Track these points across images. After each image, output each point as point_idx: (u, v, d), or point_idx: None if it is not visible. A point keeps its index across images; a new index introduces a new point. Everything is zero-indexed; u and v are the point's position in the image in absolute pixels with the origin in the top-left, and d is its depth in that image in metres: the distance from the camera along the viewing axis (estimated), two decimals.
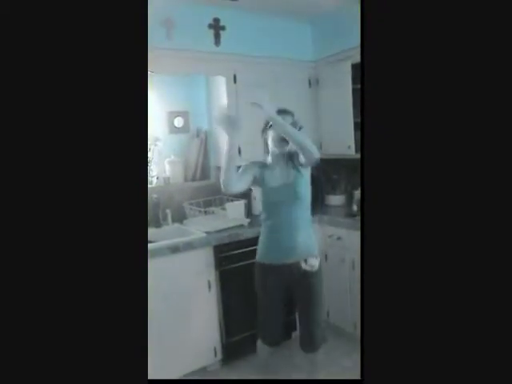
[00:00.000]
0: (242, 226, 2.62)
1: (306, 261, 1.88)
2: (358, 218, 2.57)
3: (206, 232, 2.45)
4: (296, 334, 2.17)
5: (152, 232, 2.51)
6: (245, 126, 1.76)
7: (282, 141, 1.84)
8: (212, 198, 2.91)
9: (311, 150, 1.77)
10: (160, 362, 2.15)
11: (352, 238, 2.55)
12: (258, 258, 1.99)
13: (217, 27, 2.69)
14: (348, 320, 2.66)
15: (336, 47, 2.91)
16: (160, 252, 2.19)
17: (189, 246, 2.31)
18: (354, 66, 2.75)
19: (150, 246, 2.16)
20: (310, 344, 1.97)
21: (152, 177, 2.86)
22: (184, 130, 3.02)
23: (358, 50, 1.07)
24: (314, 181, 2.00)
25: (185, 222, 2.75)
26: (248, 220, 2.68)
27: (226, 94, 2.75)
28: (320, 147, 3.00)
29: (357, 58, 2.43)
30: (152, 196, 2.64)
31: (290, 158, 1.93)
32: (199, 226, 2.55)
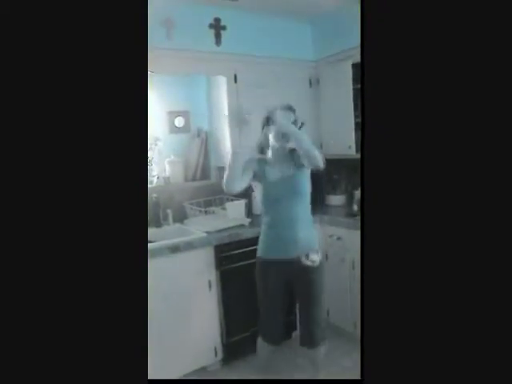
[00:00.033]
0: (242, 225, 2.61)
1: (307, 256, 1.88)
2: (359, 217, 2.56)
3: (207, 232, 2.44)
4: (296, 334, 2.17)
5: (152, 232, 2.50)
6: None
7: (284, 136, 1.85)
8: (212, 197, 2.91)
9: (318, 161, 1.80)
10: (160, 362, 2.15)
11: (352, 238, 2.54)
12: (259, 253, 1.99)
13: (217, 27, 2.69)
14: (348, 320, 2.66)
15: (336, 47, 2.91)
16: (160, 252, 2.19)
17: (189, 246, 2.31)
18: (354, 66, 2.75)
19: (150, 245, 2.16)
20: (310, 339, 1.97)
21: (152, 176, 2.87)
22: (184, 129, 3.02)
23: (359, 49, 1.07)
24: (315, 181, 2.00)
25: (185, 221, 2.75)
26: (248, 220, 2.67)
27: (226, 93, 2.75)
28: (320, 147, 3.00)
29: (357, 58, 2.42)
30: (152, 196, 2.64)
31: (291, 154, 1.93)
32: (200, 226, 2.55)
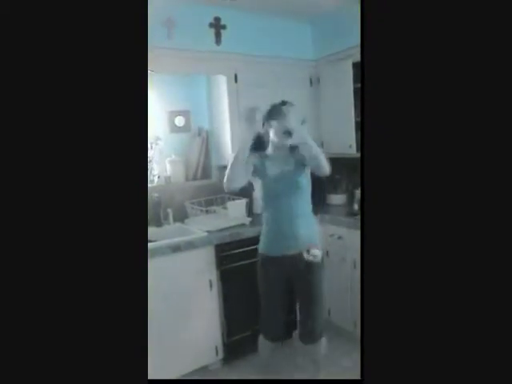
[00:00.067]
0: (243, 225, 2.62)
1: (308, 251, 1.88)
2: (359, 217, 2.56)
3: (208, 231, 2.45)
4: (297, 333, 2.18)
5: (153, 231, 2.51)
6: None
7: (285, 133, 1.84)
8: (213, 197, 2.91)
9: (326, 169, 1.83)
10: (160, 362, 2.15)
11: (353, 237, 2.55)
12: (260, 249, 1.99)
13: (218, 26, 2.69)
14: (349, 319, 2.66)
15: (336, 47, 2.90)
16: (161, 251, 2.19)
17: (190, 245, 2.31)
18: (355, 65, 2.75)
19: (150, 245, 2.16)
20: (309, 336, 1.98)
21: (153, 176, 2.86)
22: (185, 129, 3.02)
23: (359, 48, 1.07)
24: (316, 180, 2.00)
25: (186, 221, 2.75)
26: (249, 219, 2.67)
27: (226, 93, 2.75)
28: (321, 146, 2.99)
29: (358, 57, 2.42)
30: (153, 195, 2.64)
31: (291, 150, 1.93)
32: (200, 225, 2.55)
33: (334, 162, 3.08)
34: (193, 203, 2.81)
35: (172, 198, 2.81)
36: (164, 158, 2.91)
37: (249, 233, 2.48)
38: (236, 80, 2.76)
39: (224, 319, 2.46)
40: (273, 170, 1.91)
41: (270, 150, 1.96)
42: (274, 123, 1.86)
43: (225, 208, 2.75)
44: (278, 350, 2.16)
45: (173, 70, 2.64)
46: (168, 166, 2.91)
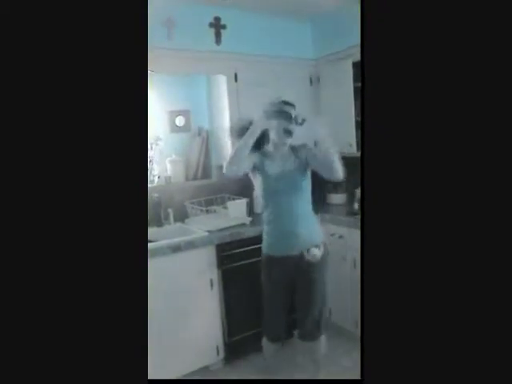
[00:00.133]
0: (243, 224, 2.61)
1: (308, 250, 1.88)
2: (360, 216, 2.56)
3: (208, 231, 2.44)
4: (297, 332, 2.18)
5: (154, 231, 2.51)
6: None
7: (286, 132, 1.84)
8: (214, 196, 2.91)
9: (339, 173, 1.85)
10: (161, 362, 2.15)
11: (353, 237, 2.54)
12: (263, 250, 1.99)
13: (218, 26, 2.69)
14: (349, 319, 2.66)
15: (336, 46, 2.90)
16: (162, 251, 2.19)
17: (190, 245, 2.31)
18: (355, 64, 2.74)
19: (151, 245, 2.17)
20: (308, 333, 1.99)
21: (153, 176, 2.86)
22: (185, 129, 3.02)
23: (359, 48, 1.06)
24: (316, 179, 2.00)
25: (186, 221, 2.75)
26: (250, 218, 2.67)
27: (226, 92, 2.75)
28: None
29: (358, 56, 2.42)
30: (153, 195, 2.64)
31: (292, 150, 1.93)
32: (201, 225, 2.55)
33: None
34: (193, 203, 2.81)
35: (172, 197, 2.81)
36: (164, 157, 2.91)
37: (249, 232, 2.48)
38: (236, 79, 2.76)
39: (225, 319, 2.46)
40: (273, 168, 1.91)
41: (270, 148, 1.95)
42: (272, 122, 1.85)
43: (225, 208, 2.75)
44: (280, 350, 2.16)
45: (173, 70, 2.64)
46: (168, 166, 2.91)
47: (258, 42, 2.81)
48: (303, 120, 1.84)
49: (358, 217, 2.60)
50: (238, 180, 2.71)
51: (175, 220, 2.74)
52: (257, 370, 2.36)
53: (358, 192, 2.92)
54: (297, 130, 1.85)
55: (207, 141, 3.02)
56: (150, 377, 1.08)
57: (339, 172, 1.83)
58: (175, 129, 2.98)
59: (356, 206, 2.84)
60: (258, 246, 2.02)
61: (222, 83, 2.78)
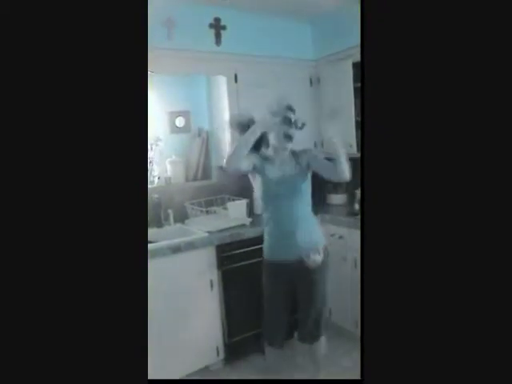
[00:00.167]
0: (243, 225, 2.61)
1: (308, 256, 1.88)
2: (360, 216, 2.56)
3: (208, 232, 2.44)
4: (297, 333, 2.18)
5: (154, 232, 2.51)
6: None
7: (286, 137, 1.84)
8: (214, 197, 2.91)
9: (346, 174, 1.83)
10: (161, 362, 2.15)
11: (354, 237, 2.55)
12: (264, 254, 1.99)
13: (218, 27, 2.69)
14: (349, 319, 2.66)
15: (336, 47, 2.90)
16: (162, 252, 2.19)
17: (190, 246, 2.31)
18: (355, 65, 2.74)
19: (151, 246, 2.17)
20: (308, 335, 1.98)
21: (153, 177, 2.86)
22: (185, 129, 3.02)
23: (359, 48, 1.07)
24: (316, 180, 2.00)
25: (186, 221, 2.75)
26: (250, 219, 2.67)
27: (226, 93, 2.75)
28: (321, 146, 3.00)
29: (358, 57, 2.42)
30: (153, 196, 2.64)
31: (293, 155, 1.93)
32: (201, 226, 2.55)
33: None
34: (193, 204, 2.81)
35: (172, 198, 2.81)
36: (164, 158, 2.91)
37: (249, 233, 2.48)
38: (236, 80, 2.76)
39: (225, 320, 2.46)
40: (273, 172, 1.90)
41: (270, 152, 1.95)
42: (277, 124, 1.83)
43: (225, 208, 2.74)
44: (281, 352, 2.16)
45: (173, 70, 2.64)
46: (168, 167, 2.91)
47: (257, 42, 2.81)
48: (303, 124, 1.84)
49: (358, 217, 2.60)
50: (237, 181, 2.72)
51: (175, 221, 2.74)
52: (257, 370, 2.36)
53: (357, 192, 2.92)
54: (297, 134, 1.85)
55: (207, 142, 3.02)
56: (150, 377, 1.08)
57: (346, 173, 1.82)
58: (175, 129, 2.98)
59: (356, 206, 2.84)
60: (258, 246, 2.02)
61: (221, 84, 2.78)
